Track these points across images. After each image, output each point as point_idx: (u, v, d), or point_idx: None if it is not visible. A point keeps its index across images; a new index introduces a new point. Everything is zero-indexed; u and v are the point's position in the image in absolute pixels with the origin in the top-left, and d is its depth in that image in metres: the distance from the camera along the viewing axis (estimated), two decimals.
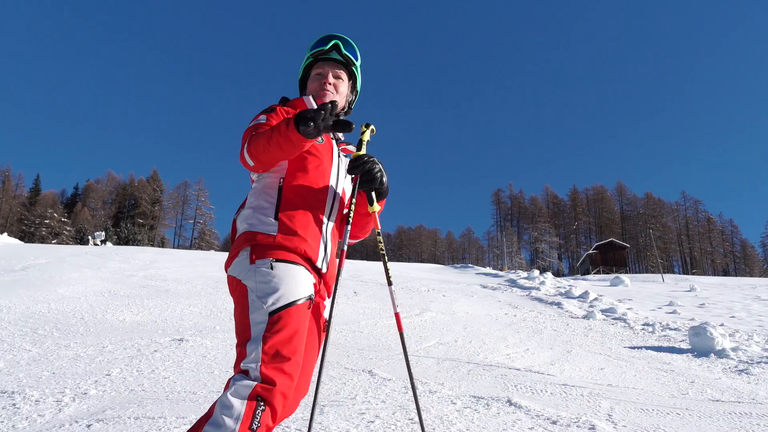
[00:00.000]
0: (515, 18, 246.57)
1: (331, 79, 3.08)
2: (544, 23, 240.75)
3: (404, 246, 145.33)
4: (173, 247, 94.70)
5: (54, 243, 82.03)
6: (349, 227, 2.88)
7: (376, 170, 2.86)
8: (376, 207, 2.96)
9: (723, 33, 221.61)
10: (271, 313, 2.46)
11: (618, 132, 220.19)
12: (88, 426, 4.16)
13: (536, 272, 28.08)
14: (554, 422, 4.56)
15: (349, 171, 2.87)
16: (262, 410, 2.26)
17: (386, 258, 3.15)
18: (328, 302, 2.96)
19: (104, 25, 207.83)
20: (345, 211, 2.95)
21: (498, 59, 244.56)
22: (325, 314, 2.92)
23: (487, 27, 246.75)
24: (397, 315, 3.05)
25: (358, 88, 3.27)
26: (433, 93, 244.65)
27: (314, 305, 2.80)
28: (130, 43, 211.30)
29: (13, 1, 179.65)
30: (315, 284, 2.74)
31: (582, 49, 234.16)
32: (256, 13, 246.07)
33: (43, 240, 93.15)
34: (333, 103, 2.45)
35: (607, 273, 75.98)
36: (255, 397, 2.26)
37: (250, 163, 2.69)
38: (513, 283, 23.41)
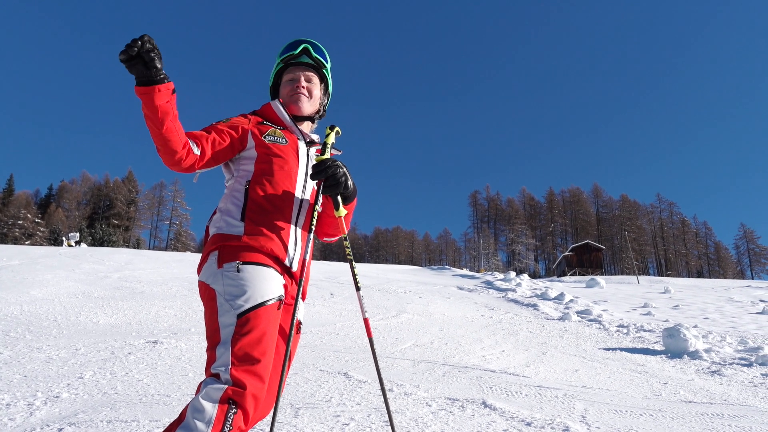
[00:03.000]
0: (492, 20, 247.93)
1: (303, 83, 3.09)
2: (521, 26, 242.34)
3: (381, 247, 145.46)
4: (149, 249, 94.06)
5: (27, 244, 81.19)
6: (311, 235, 2.85)
7: (339, 174, 2.83)
8: (343, 211, 2.93)
9: (696, 37, 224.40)
10: (240, 315, 2.45)
11: (594, 134, 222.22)
12: (60, 430, 4.12)
13: (512, 274, 28.16)
14: (528, 424, 4.58)
15: (312, 176, 2.84)
16: (234, 413, 2.26)
17: (353, 263, 3.13)
18: (301, 303, 2.95)
19: (78, 23, 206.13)
20: (315, 211, 2.91)
21: (475, 61, 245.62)
22: (299, 315, 2.91)
23: (464, 29, 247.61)
24: (366, 321, 3.04)
25: (330, 90, 3.30)
26: (411, 94, 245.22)
27: (286, 306, 2.79)
28: (105, 41, 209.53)
29: None
30: (285, 285, 2.73)
31: (558, 52, 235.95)
32: (230, 14, 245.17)
33: (16, 241, 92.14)
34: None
35: (583, 275, 76.59)
36: (226, 400, 2.25)
37: (162, 159, 2.61)
38: (489, 284, 23.48)
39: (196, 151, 2.68)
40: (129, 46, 2.22)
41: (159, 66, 2.31)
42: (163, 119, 2.42)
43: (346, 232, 3.05)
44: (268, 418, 4.39)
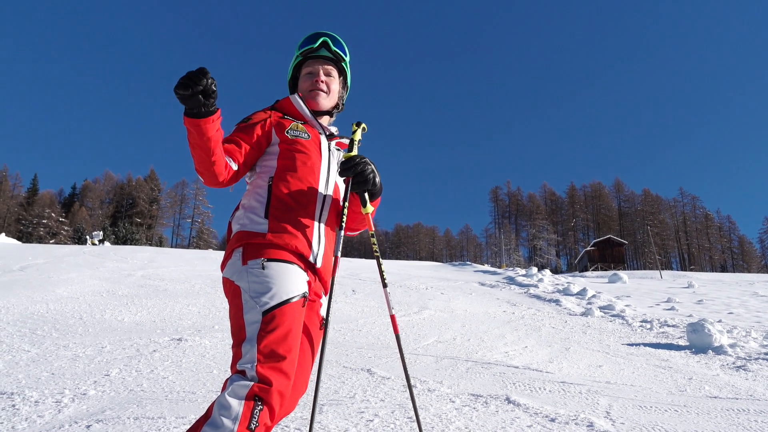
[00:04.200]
0: (511, 16, 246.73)
1: (322, 77, 3.08)
2: (541, 21, 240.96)
3: (402, 244, 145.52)
4: (171, 247, 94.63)
5: (52, 243, 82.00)
6: (342, 232, 2.86)
7: (368, 171, 2.83)
8: (369, 208, 2.93)
9: (717, 28, 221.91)
10: (265, 313, 2.45)
11: (615, 129, 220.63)
12: (88, 427, 4.16)
13: (534, 269, 28.10)
14: (552, 420, 4.56)
15: (341, 173, 2.84)
16: (260, 410, 2.26)
17: (380, 260, 3.12)
18: (324, 299, 2.95)
19: (101, 24, 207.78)
20: (342, 208, 2.90)
21: (495, 57, 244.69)
22: (322, 312, 2.92)
23: (483, 25, 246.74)
24: (392, 317, 3.03)
25: (349, 83, 3.29)
26: (432, 91, 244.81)
27: (310, 302, 2.80)
28: (128, 41, 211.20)
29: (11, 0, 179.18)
30: (309, 282, 2.74)
31: (578, 47, 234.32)
32: (252, 12, 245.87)
33: (41, 240, 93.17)
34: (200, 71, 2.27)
35: (605, 270, 76.04)
36: (252, 397, 2.26)
37: (201, 179, 2.67)
38: (511, 280, 23.41)
39: (234, 167, 2.73)
40: (193, 82, 2.22)
41: (215, 98, 2.34)
42: (214, 149, 2.47)
43: (373, 229, 3.05)
44: (293, 414, 4.43)
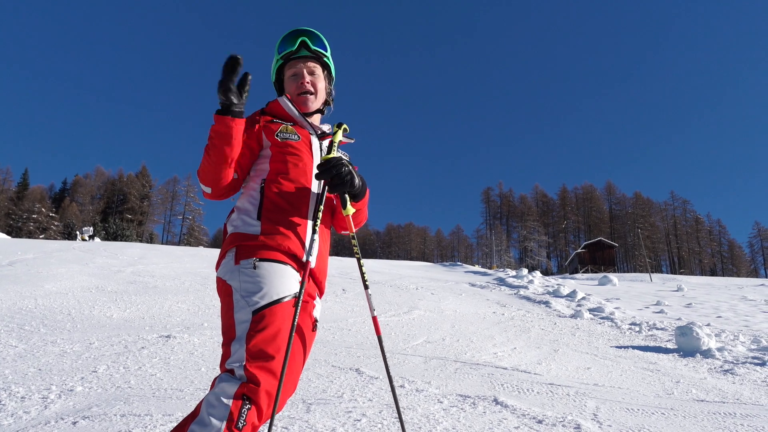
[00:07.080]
0: (506, 17, 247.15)
1: (307, 78, 3.06)
2: (535, 23, 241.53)
3: (393, 243, 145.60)
4: (162, 243, 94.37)
5: (41, 238, 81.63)
6: (316, 236, 2.81)
7: (344, 173, 2.76)
8: (351, 210, 2.88)
9: (707, 34, 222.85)
10: (255, 312, 2.45)
11: (607, 131, 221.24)
12: (74, 423, 4.15)
13: (525, 271, 28.15)
14: (540, 421, 4.58)
15: (317, 176, 2.79)
16: (248, 409, 2.26)
17: (361, 261, 3.10)
18: (318, 301, 2.94)
19: (94, 19, 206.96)
20: (319, 212, 2.85)
21: (489, 58, 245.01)
22: (316, 313, 2.90)
23: (478, 26, 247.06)
24: (374, 319, 3.01)
25: (333, 74, 3.26)
26: (425, 91, 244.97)
27: (303, 303, 2.79)
28: (120, 37, 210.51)
29: None
30: (301, 282, 2.73)
31: (572, 49, 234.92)
32: (245, 9, 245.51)
33: (30, 235, 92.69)
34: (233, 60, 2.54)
35: (596, 272, 76.30)
36: (240, 396, 2.26)
37: (207, 191, 2.75)
38: (501, 281, 23.44)
39: (235, 175, 2.80)
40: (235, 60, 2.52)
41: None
42: (234, 156, 2.63)
43: (354, 231, 3.02)
44: (281, 413, 4.43)
